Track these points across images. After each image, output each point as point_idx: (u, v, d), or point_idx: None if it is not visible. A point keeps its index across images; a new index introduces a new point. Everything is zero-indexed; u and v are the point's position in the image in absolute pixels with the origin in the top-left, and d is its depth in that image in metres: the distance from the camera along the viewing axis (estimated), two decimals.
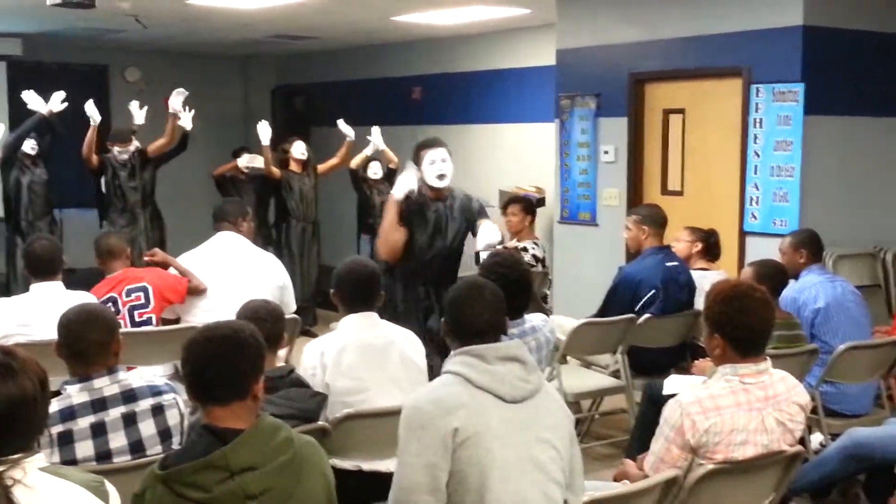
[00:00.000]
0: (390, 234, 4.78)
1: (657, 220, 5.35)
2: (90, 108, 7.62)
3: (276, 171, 8.41)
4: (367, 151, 8.71)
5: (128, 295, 4.85)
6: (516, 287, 3.67)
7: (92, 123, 7.60)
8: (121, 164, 7.72)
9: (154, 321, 4.85)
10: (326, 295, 8.61)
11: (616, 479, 3.32)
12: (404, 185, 4.75)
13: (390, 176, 8.96)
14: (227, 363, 2.29)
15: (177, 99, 7.74)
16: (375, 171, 8.89)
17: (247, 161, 8.84)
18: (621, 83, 7.08)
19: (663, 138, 6.99)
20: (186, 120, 7.93)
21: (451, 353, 2.74)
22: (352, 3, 7.88)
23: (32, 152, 7.60)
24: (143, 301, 4.88)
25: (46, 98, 7.68)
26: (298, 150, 8.59)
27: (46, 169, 7.69)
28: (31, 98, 7.58)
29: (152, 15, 8.37)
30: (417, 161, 4.87)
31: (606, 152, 7.29)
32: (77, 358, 2.85)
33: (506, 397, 2.60)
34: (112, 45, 10.97)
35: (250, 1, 7.70)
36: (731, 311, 2.99)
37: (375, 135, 8.61)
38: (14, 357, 1.96)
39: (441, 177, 4.80)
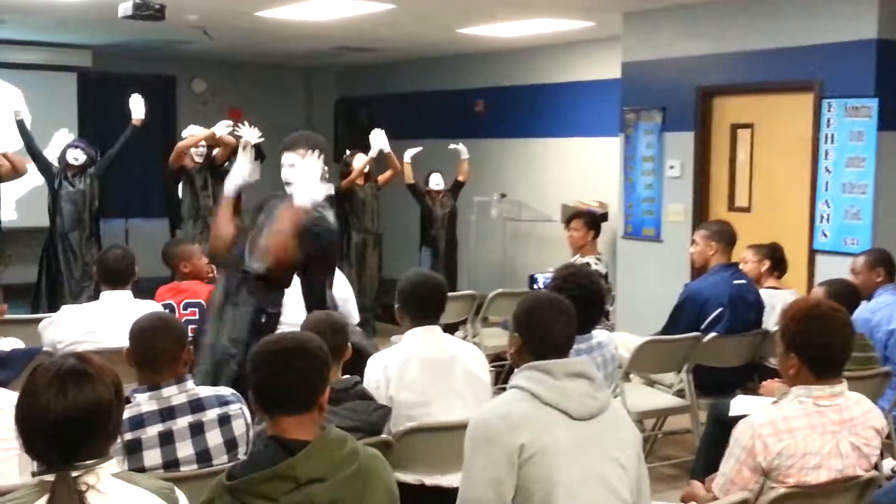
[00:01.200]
0: (223, 228, 4.29)
1: (726, 237, 5.26)
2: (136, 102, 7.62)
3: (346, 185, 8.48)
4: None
5: (185, 308, 4.90)
6: (590, 300, 3.63)
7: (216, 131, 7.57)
8: (196, 171, 7.80)
9: None
10: (386, 307, 8.63)
11: (683, 501, 3.25)
12: (235, 178, 4.33)
13: (458, 188, 8.97)
14: (296, 374, 2.29)
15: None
16: (437, 183, 8.88)
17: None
18: (688, 97, 7.00)
19: (731, 153, 6.90)
20: (250, 135, 7.97)
21: (519, 367, 2.71)
22: (417, 16, 7.91)
23: (75, 163, 7.56)
24: (196, 318, 4.92)
25: (118, 108, 7.71)
26: (360, 163, 8.62)
27: (93, 181, 7.67)
28: (137, 103, 7.59)
29: (219, 27, 8.49)
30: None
31: (672, 167, 7.20)
32: (147, 366, 2.87)
33: (573, 414, 2.56)
34: (179, 56, 11.14)
35: (317, 13, 7.76)
36: (810, 330, 2.91)
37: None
38: (90, 364, 1.98)
39: (287, 184, 4.25)
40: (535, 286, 6.54)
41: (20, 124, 7.37)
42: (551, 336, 2.70)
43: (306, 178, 4.16)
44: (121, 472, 2.00)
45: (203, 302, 4.95)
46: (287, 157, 4.34)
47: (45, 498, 1.88)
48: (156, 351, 2.87)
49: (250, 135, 7.72)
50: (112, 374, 2.00)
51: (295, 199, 4.10)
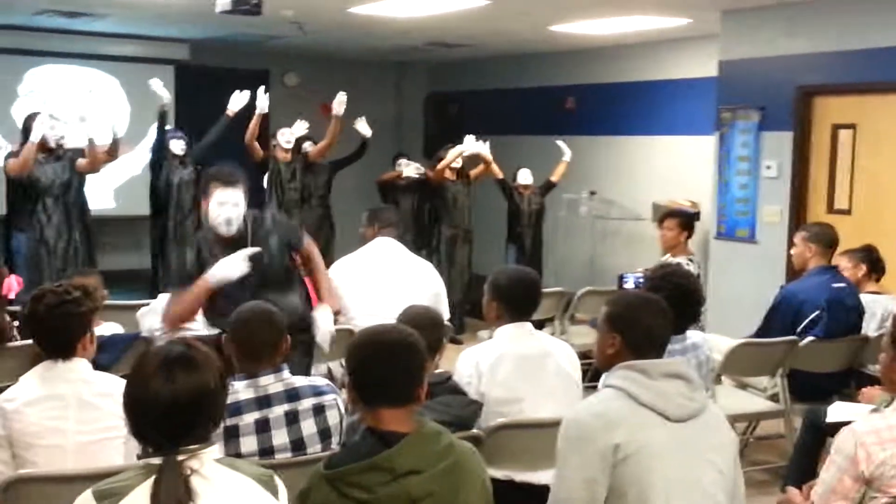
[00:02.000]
0: (186, 311, 3.99)
1: (825, 240, 5.13)
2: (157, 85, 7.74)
3: (436, 176, 8.51)
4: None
5: None
6: (687, 300, 3.58)
7: (258, 111, 7.75)
8: (285, 164, 7.93)
9: None
10: (475, 303, 8.63)
11: None
12: (223, 272, 3.88)
13: (548, 188, 8.92)
14: (399, 366, 2.30)
15: (339, 104, 7.88)
16: (526, 178, 8.84)
17: (407, 168, 8.94)
18: (787, 96, 6.85)
19: (831, 154, 6.72)
20: (363, 127, 8.17)
21: (613, 367, 2.67)
22: (511, 13, 7.88)
23: (181, 153, 7.74)
24: None
25: (213, 101, 7.88)
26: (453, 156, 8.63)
27: (194, 169, 7.85)
28: (237, 98, 7.75)
29: (314, 22, 8.58)
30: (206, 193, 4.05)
31: (769, 167, 7.06)
32: (248, 355, 2.92)
33: (669, 415, 2.53)
34: (272, 50, 11.30)
35: (410, 10, 7.79)
36: None
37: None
38: (197, 351, 2.02)
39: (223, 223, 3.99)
40: (625, 285, 6.45)
41: (163, 116, 7.68)
42: (651, 334, 2.67)
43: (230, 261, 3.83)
44: (223, 458, 2.05)
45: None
46: (228, 195, 3.95)
47: (150, 480, 1.92)
48: (258, 341, 2.91)
49: (363, 127, 7.82)
50: (217, 362, 2.04)
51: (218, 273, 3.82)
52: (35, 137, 6.36)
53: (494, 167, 8.64)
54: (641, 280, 5.76)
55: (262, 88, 7.83)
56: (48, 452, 2.88)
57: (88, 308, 3.09)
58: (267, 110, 7.82)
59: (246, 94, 7.71)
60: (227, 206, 3.95)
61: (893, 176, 6.32)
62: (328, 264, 7.73)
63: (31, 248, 6.63)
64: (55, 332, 3.00)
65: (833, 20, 6.58)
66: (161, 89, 7.70)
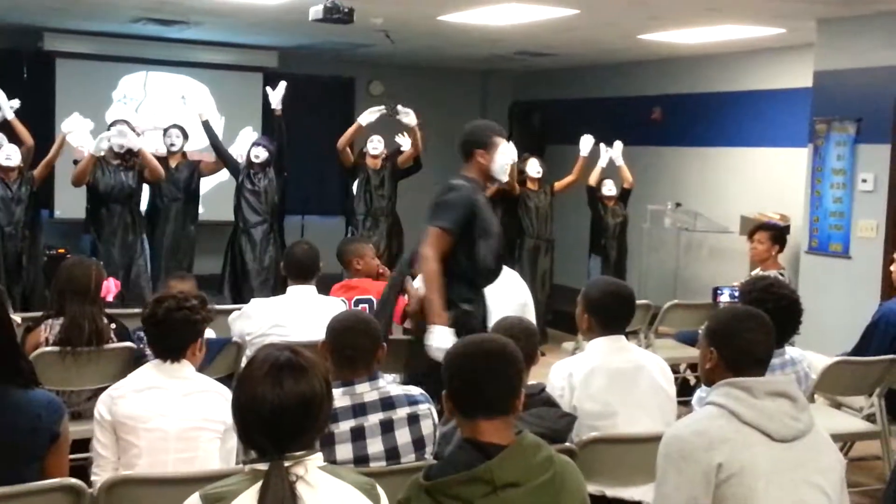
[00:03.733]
0: None
1: None
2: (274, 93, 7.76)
3: (516, 186, 8.47)
4: (602, 164, 8.58)
5: (356, 304, 4.98)
6: (789, 313, 3.50)
7: (359, 122, 7.84)
8: (373, 171, 7.99)
9: None
10: (557, 313, 8.53)
11: None
12: None
13: (625, 196, 8.84)
14: (499, 377, 2.29)
15: (406, 116, 7.87)
16: (610, 189, 8.75)
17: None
18: (885, 108, 6.69)
19: None
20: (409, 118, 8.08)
21: (715, 384, 2.62)
22: (601, 22, 7.83)
23: (256, 160, 7.73)
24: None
25: (300, 108, 7.96)
26: (533, 167, 8.61)
27: (275, 178, 7.87)
28: (274, 93, 7.81)
29: (402, 30, 8.63)
30: (490, 146, 4.31)
31: (865, 181, 6.89)
32: (345, 363, 2.93)
33: (774, 435, 2.46)
34: (358, 59, 11.40)
35: (499, 18, 7.78)
36: None
37: (616, 149, 8.51)
38: (303, 357, 2.03)
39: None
40: (720, 298, 6.36)
41: (206, 125, 7.72)
42: (751, 350, 2.60)
43: None
44: (326, 465, 2.05)
45: (374, 298, 5.04)
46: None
47: (257, 485, 1.93)
48: (355, 349, 2.93)
49: (409, 118, 7.81)
50: (323, 368, 2.05)
51: None
52: (94, 149, 6.61)
53: (594, 174, 8.63)
54: (737, 293, 5.65)
55: (282, 83, 7.80)
56: (151, 436, 3.01)
57: (203, 317, 3.23)
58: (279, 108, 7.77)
59: (282, 84, 7.71)
60: (508, 156, 4.47)
61: None
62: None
63: (96, 252, 6.84)
64: (170, 334, 3.14)
65: None
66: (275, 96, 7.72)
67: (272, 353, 2.05)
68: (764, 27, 7.75)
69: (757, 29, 7.85)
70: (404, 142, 8.32)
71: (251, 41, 10.40)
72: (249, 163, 7.77)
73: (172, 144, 7.75)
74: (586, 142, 8.56)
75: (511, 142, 8.41)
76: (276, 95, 7.71)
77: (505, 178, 4.53)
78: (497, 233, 4.30)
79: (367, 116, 7.83)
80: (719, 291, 6.46)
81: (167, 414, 3.03)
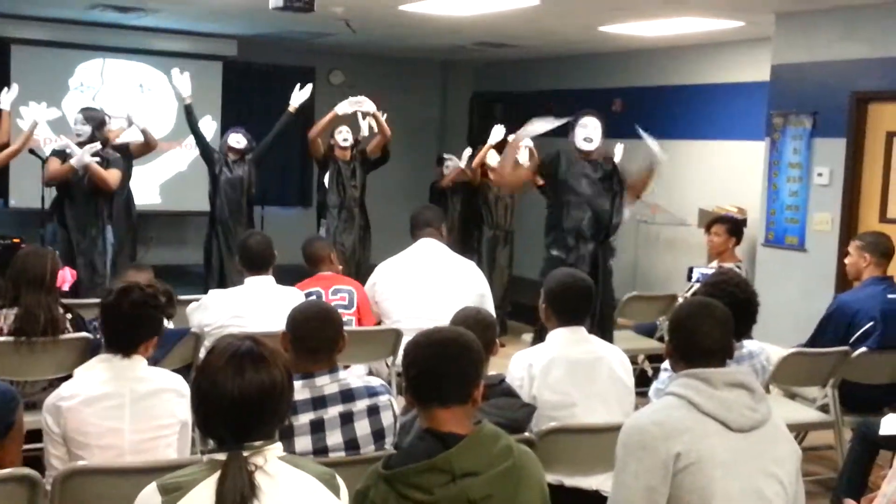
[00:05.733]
0: None
1: (881, 249, 5.04)
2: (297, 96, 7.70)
3: (478, 176, 8.48)
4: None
5: (334, 294, 4.96)
6: (743, 308, 3.53)
7: (336, 111, 7.69)
8: (344, 162, 7.90)
9: (353, 325, 4.91)
10: (515, 305, 8.55)
11: None
12: None
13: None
14: (456, 366, 2.30)
15: (351, 104, 7.74)
16: None
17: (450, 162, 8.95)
18: (841, 102, 6.76)
19: (885, 162, 6.62)
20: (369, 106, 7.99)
21: (671, 374, 2.65)
22: (561, 13, 7.84)
23: (238, 146, 7.58)
24: (346, 303, 4.98)
25: (259, 97, 7.84)
26: (494, 158, 8.61)
27: (251, 167, 7.79)
28: (298, 93, 7.74)
29: (363, 20, 8.59)
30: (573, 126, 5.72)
31: (820, 174, 6.97)
32: (306, 354, 2.91)
33: (732, 425, 2.49)
34: (319, 48, 11.33)
35: (461, 8, 7.77)
36: None
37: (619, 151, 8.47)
38: (265, 347, 2.02)
39: (587, 140, 5.63)
40: (692, 280, 6.49)
41: (188, 108, 7.60)
42: (699, 342, 2.62)
43: None
44: (286, 456, 2.04)
45: (353, 289, 5.02)
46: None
47: (215, 476, 1.92)
48: (317, 341, 2.91)
49: (369, 106, 7.70)
50: (283, 359, 2.04)
51: None
52: (76, 163, 6.39)
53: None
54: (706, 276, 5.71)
55: (308, 86, 7.80)
56: (104, 453, 2.89)
57: (167, 313, 3.12)
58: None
59: (308, 87, 7.67)
60: (587, 128, 5.76)
61: None
62: (364, 265, 7.80)
63: (62, 241, 6.70)
64: (130, 329, 3.01)
65: (890, 25, 6.48)
66: (183, 83, 7.59)
67: (233, 342, 2.03)
68: (723, 20, 7.82)
69: (716, 22, 7.91)
70: (364, 125, 8.21)
71: (210, 29, 10.30)
72: (230, 149, 7.64)
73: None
74: (537, 126, 8.46)
75: (468, 133, 8.54)
76: (301, 96, 7.63)
77: (585, 147, 5.68)
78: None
79: (345, 107, 7.72)
80: (692, 271, 6.59)
81: (120, 428, 2.91)
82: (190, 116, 7.58)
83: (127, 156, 7.19)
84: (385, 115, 7.91)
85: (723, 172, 9.19)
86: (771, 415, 2.59)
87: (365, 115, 7.93)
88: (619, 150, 8.15)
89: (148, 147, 7.34)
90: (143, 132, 7.20)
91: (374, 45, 10.79)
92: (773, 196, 7.36)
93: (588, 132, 5.79)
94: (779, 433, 2.59)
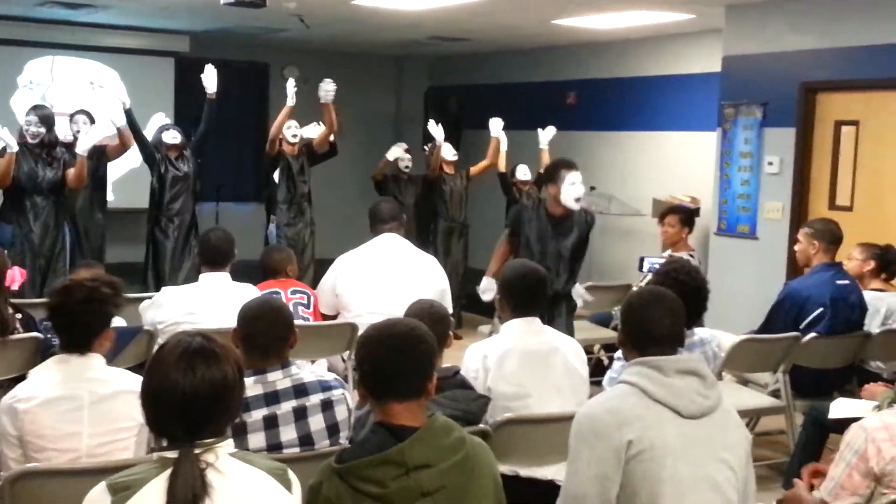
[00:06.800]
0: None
1: (829, 236, 5.11)
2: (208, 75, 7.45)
3: (436, 169, 8.50)
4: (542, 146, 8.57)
5: (292, 294, 4.95)
6: (694, 296, 3.57)
7: (289, 103, 7.54)
8: (293, 157, 7.83)
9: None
10: (471, 297, 8.58)
11: (786, 501, 3.16)
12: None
13: (541, 180, 8.91)
14: (409, 359, 2.29)
15: (325, 93, 7.62)
16: (525, 174, 8.83)
17: (394, 154, 8.87)
18: (790, 92, 6.85)
19: (833, 151, 6.72)
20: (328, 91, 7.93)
21: (625, 363, 2.67)
22: (513, 7, 7.86)
23: (174, 141, 7.36)
24: (305, 302, 4.99)
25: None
26: (449, 151, 8.64)
27: (193, 162, 7.56)
28: (209, 76, 7.56)
29: (316, 15, 8.56)
30: (556, 179, 5.39)
31: (771, 163, 7.06)
32: (256, 351, 2.89)
33: (683, 412, 2.52)
34: (272, 43, 11.27)
35: (414, 2, 7.76)
36: None
37: (548, 133, 8.51)
38: (216, 343, 2.01)
39: (577, 200, 5.38)
40: (644, 269, 6.55)
41: (128, 113, 7.45)
42: (651, 330, 2.65)
43: None
44: (237, 452, 2.03)
45: (309, 292, 5.02)
46: (577, 176, 5.43)
47: (166, 473, 1.91)
48: (266, 337, 2.90)
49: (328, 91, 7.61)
50: (235, 355, 2.03)
51: None
52: (12, 148, 6.31)
53: (502, 160, 8.66)
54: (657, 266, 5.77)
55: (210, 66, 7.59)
56: (61, 456, 2.84)
57: (115, 305, 3.07)
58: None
59: (211, 69, 7.40)
60: (577, 186, 5.35)
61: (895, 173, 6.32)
62: (309, 260, 7.77)
63: (17, 242, 6.60)
64: (80, 326, 2.96)
65: (837, 16, 6.57)
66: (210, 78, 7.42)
67: (184, 338, 2.02)
68: (674, 13, 7.88)
69: (667, 14, 7.98)
70: (313, 130, 8.12)
71: (162, 25, 10.19)
72: (168, 147, 7.52)
73: (79, 131, 7.51)
74: (495, 124, 8.59)
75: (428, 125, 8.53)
76: (211, 79, 7.46)
77: (574, 207, 5.43)
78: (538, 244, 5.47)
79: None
80: (643, 260, 6.66)
81: (79, 431, 2.87)
82: (132, 119, 7.44)
83: (101, 156, 7.19)
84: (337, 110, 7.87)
85: (676, 162, 9.28)
86: (721, 401, 2.62)
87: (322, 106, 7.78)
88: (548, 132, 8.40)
89: (124, 147, 7.23)
90: (120, 131, 7.06)
91: (328, 40, 10.75)
92: (725, 185, 7.44)
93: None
94: (729, 419, 2.63)
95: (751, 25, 7.18)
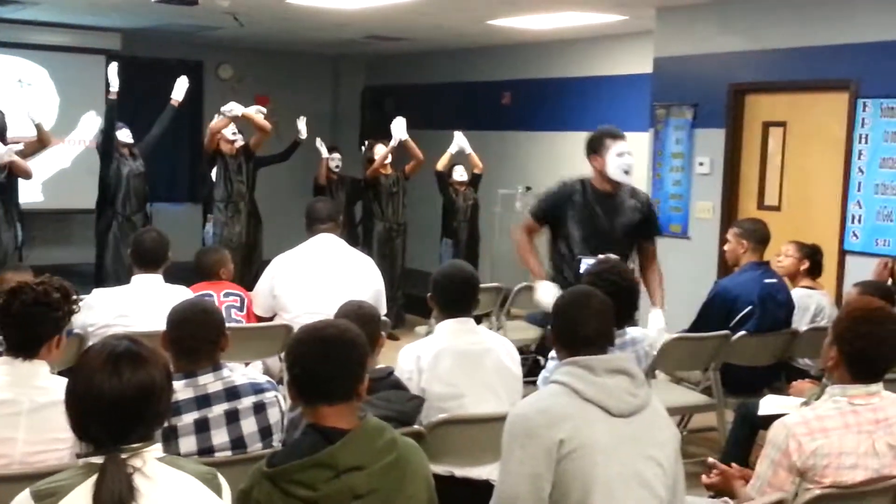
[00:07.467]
0: None
1: (758, 236, 5.21)
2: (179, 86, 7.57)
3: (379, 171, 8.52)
4: (452, 150, 8.68)
5: (225, 296, 4.91)
6: (624, 297, 3.61)
7: (227, 114, 7.50)
8: (231, 156, 7.76)
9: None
10: (409, 297, 8.58)
11: (713, 487, 3.20)
12: None
13: (475, 180, 8.96)
14: (339, 362, 2.29)
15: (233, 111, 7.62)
16: (461, 174, 8.88)
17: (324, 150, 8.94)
18: (720, 94, 6.97)
19: (762, 151, 6.86)
20: (303, 127, 8.17)
21: (557, 363, 2.70)
22: (448, 7, 7.88)
23: (129, 140, 7.47)
24: (238, 304, 4.95)
25: (145, 92, 7.63)
26: (381, 152, 8.63)
27: (143, 161, 7.66)
28: (180, 85, 7.56)
29: (250, 13, 8.48)
30: (600, 149, 5.00)
31: (701, 164, 7.17)
32: (186, 354, 2.86)
33: (613, 411, 2.55)
34: (207, 42, 11.14)
35: (348, 1, 7.74)
36: (858, 331, 2.88)
37: (459, 138, 8.61)
38: (143, 347, 1.99)
39: (627, 172, 5.00)
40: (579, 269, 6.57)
41: (39, 128, 7.21)
42: (579, 330, 2.68)
43: None
44: (165, 457, 2.01)
45: (242, 294, 4.98)
46: (624, 146, 4.99)
47: (91, 479, 1.88)
48: (195, 340, 2.87)
49: (302, 126, 7.69)
50: (163, 358, 2.01)
51: None
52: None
53: (444, 159, 8.70)
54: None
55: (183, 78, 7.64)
56: None
57: (65, 312, 2.95)
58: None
59: (184, 80, 7.53)
60: (625, 156, 4.95)
61: (821, 173, 6.45)
62: (257, 259, 7.72)
63: None
64: (25, 330, 2.86)
65: (765, 19, 6.69)
66: (113, 76, 7.47)
67: (110, 342, 2.00)
68: (606, 14, 7.97)
69: (600, 16, 8.06)
70: (302, 126, 8.37)
71: (92, 22, 10.00)
72: (123, 145, 7.43)
73: None
74: (398, 124, 8.58)
75: (359, 126, 8.52)
76: (182, 88, 7.46)
77: (623, 179, 5.03)
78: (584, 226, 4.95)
79: (235, 108, 7.56)
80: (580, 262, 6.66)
81: (14, 437, 2.78)
82: (111, 113, 7.38)
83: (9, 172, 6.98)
84: (270, 108, 7.87)
85: None
86: (651, 400, 2.66)
87: (236, 118, 7.73)
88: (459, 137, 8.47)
89: (42, 145, 7.07)
90: (38, 128, 6.91)
91: (263, 38, 10.67)
92: (658, 185, 7.54)
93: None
94: (658, 417, 2.67)
95: (681, 27, 7.29)
